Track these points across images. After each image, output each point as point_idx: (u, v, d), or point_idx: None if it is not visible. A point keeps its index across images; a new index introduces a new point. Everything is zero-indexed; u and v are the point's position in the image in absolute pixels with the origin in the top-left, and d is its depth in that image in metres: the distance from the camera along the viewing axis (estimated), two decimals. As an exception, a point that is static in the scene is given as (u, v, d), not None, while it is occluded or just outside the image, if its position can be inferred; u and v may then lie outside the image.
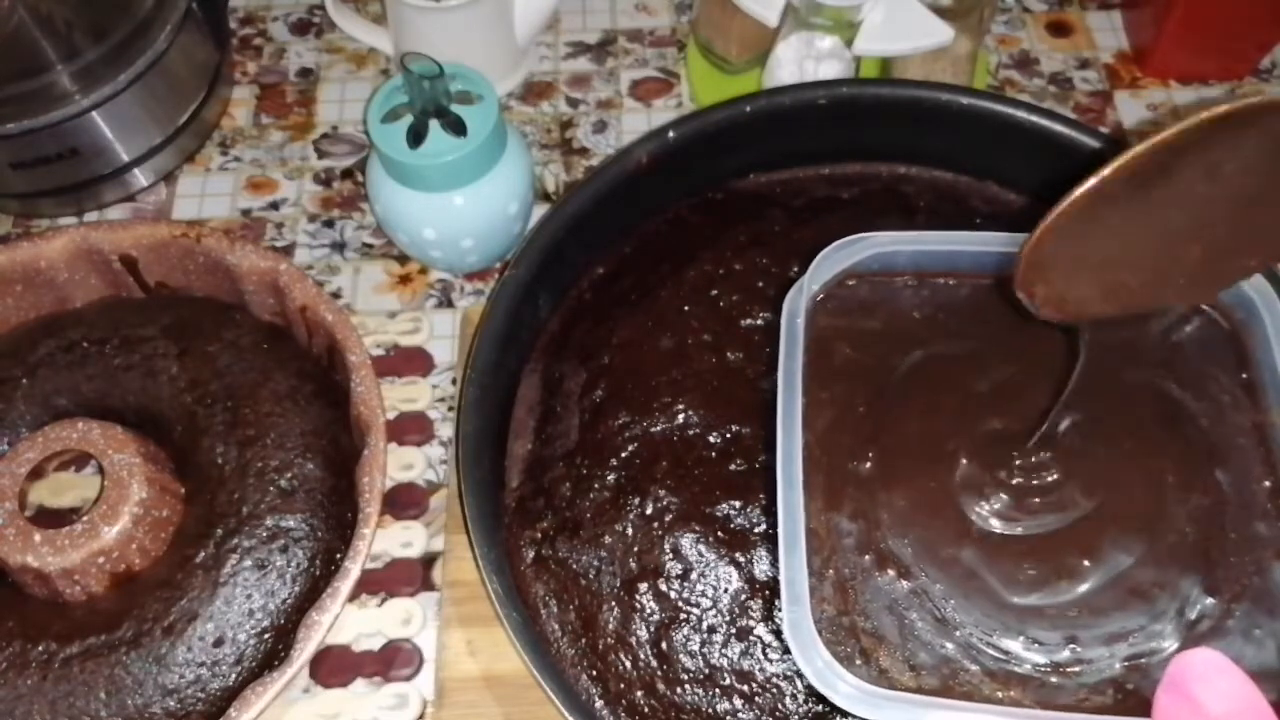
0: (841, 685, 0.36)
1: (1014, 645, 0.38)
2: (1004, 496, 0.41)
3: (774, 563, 0.44)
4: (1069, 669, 0.38)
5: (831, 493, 0.42)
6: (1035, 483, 0.41)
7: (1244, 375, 0.43)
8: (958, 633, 0.39)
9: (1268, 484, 0.41)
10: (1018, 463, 0.41)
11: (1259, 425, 0.42)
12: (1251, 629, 0.38)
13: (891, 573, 0.40)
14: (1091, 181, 0.32)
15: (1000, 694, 0.38)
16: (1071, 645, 0.38)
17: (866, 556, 0.40)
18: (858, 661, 0.39)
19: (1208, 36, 0.67)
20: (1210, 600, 0.39)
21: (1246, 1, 0.65)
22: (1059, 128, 0.52)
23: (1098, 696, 0.38)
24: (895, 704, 0.36)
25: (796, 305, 0.43)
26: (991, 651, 0.39)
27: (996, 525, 0.41)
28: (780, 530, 0.38)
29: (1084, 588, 0.39)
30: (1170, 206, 0.33)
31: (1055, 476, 0.41)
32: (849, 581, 0.40)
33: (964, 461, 0.42)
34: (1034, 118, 0.53)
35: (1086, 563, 0.39)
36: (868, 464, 0.42)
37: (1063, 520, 0.40)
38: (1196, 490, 0.41)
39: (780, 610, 0.44)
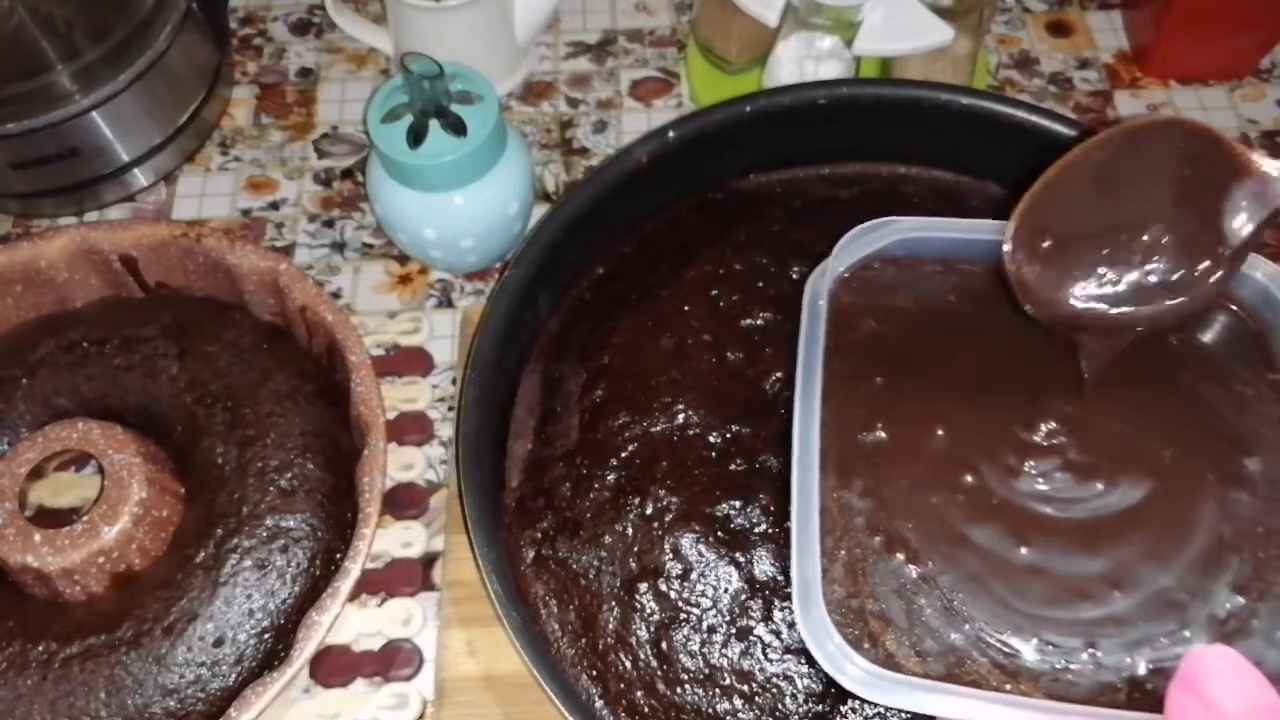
0: (850, 667, 0.35)
1: (1026, 646, 0.37)
2: (1018, 489, 0.40)
3: (774, 562, 0.44)
4: (1085, 669, 0.37)
5: (843, 468, 0.41)
6: (1047, 486, 0.40)
7: (1271, 375, 0.42)
8: (966, 626, 0.38)
9: None
10: (1030, 465, 0.40)
11: None
12: (1274, 630, 0.37)
13: (900, 556, 0.39)
14: (1061, 160, 0.35)
15: (1008, 687, 0.37)
16: (1091, 650, 0.37)
17: (876, 538, 0.39)
18: (865, 645, 0.38)
19: (1208, 36, 0.67)
20: (1239, 599, 0.37)
21: (1246, 1, 0.65)
22: (1059, 128, 0.52)
23: (1112, 693, 0.37)
24: (904, 688, 0.35)
25: (820, 286, 0.42)
26: (1001, 647, 0.38)
27: (1006, 530, 0.39)
28: (794, 509, 0.38)
29: (1109, 610, 0.38)
30: (1122, 200, 0.36)
31: (1074, 482, 0.40)
32: (859, 563, 0.39)
33: (976, 449, 0.41)
34: (1034, 118, 0.53)
35: (1116, 593, 0.38)
36: (877, 433, 0.41)
37: (1080, 526, 0.39)
38: (1232, 487, 0.39)
39: (780, 607, 0.44)
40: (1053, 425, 0.40)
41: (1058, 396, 0.41)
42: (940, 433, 0.41)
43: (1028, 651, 0.37)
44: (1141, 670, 0.37)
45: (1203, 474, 0.40)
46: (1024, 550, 0.39)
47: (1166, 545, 0.39)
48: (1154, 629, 0.37)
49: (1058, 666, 0.37)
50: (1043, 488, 0.40)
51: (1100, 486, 0.40)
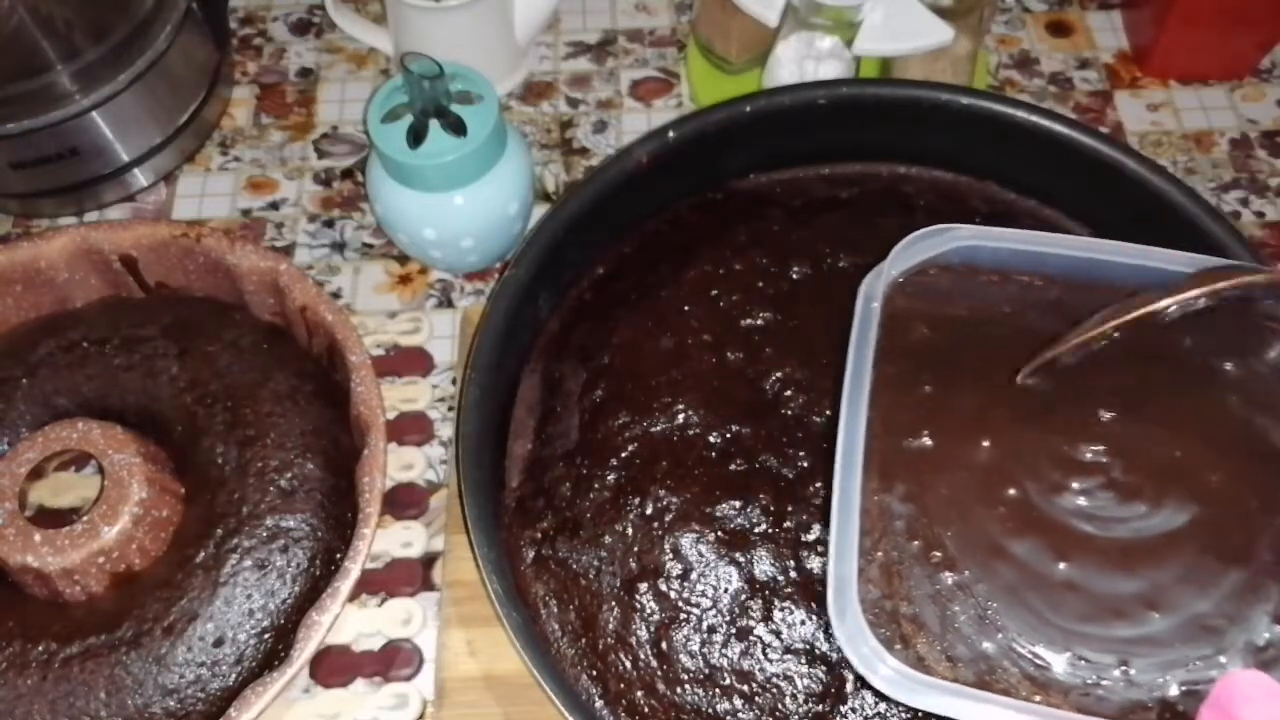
0: (882, 667, 0.35)
1: (1058, 660, 0.37)
2: (1061, 505, 0.40)
3: (774, 562, 0.44)
4: (1116, 686, 0.37)
5: (886, 471, 0.41)
6: (1090, 504, 0.39)
7: None
8: (999, 635, 0.38)
9: None
10: (1074, 482, 0.40)
11: None
12: None
13: (938, 562, 0.39)
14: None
15: (1038, 698, 0.37)
16: (1123, 668, 0.37)
17: (915, 543, 0.39)
18: (896, 646, 0.38)
19: (1208, 36, 0.67)
20: (1279, 629, 0.37)
21: (1246, 1, 0.65)
22: (1059, 128, 0.52)
23: (1142, 712, 0.37)
24: (935, 691, 0.35)
25: (874, 289, 0.42)
26: (1033, 659, 0.37)
27: (1046, 542, 0.39)
28: (834, 507, 0.38)
29: (1144, 630, 0.38)
30: None
31: (1117, 502, 0.39)
32: (896, 566, 0.39)
33: (1021, 463, 0.40)
34: (1034, 118, 0.53)
35: (1153, 614, 0.38)
36: (923, 440, 0.41)
37: (1123, 548, 0.39)
38: (1278, 515, 0.39)
39: (780, 607, 0.44)
40: (1099, 444, 0.40)
41: (1106, 415, 0.41)
42: (986, 444, 0.41)
43: (1059, 665, 0.37)
44: (1173, 691, 0.37)
45: (1248, 501, 0.39)
46: (1062, 565, 0.39)
47: (1207, 570, 0.38)
48: (1189, 652, 0.37)
49: (1089, 681, 0.37)
50: (1085, 505, 0.40)
51: (1143, 508, 0.39)
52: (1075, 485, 0.40)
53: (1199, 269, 0.41)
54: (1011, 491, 0.40)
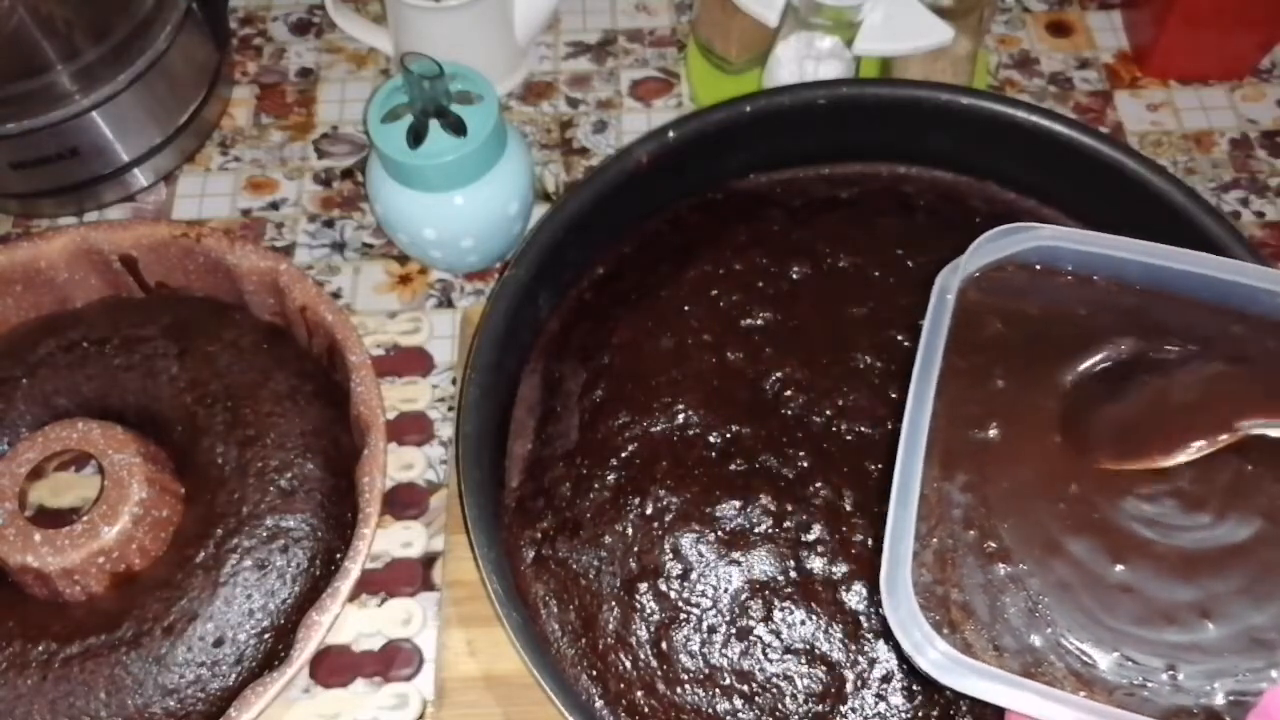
0: (931, 650, 0.35)
1: (1105, 659, 0.37)
2: (1123, 509, 0.39)
3: (774, 562, 0.44)
4: (1161, 689, 0.37)
5: (947, 460, 0.40)
6: (1153, 510, 0.39)
7: None
8: (1048, 629, 0.38)
9: None
10: (1139, 488, 0.39)
11: None
12: None
13: (992, 554, 0.39)
14: None
15: (1082, 694, 0.37)
16: (1171, 672, 0.37)
17: (971, 532, 0.39)
18: (944, 631, 0.38)
19: (1208, 36, 0.67)
20: None
21: (1246, 1, 0.65)
22: (1059, 128, 0.52)
23: (1187, 717, 0.36)
24: (985, 678, 0.35)
25: (949, 282, 0.42)
26: (1080, 655, 0.37)
27: (1109, 545, 0.39)
28: (894, 489, 0.38)
29: (1195, 638, 0.37)
30: None
31: (1181, 511, 0.39)
32: (950, 553, 0.39)
33: (1088, 465, 0.40)
34: (1034, 118, 0.53)
35: (1206, 623, 0.38)
36: (989, 432, 0.41)
37: (1184, 556, 0.39)
38: None
39: (780, 607, 0.44)
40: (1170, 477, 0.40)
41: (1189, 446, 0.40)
42: (1055, 440, 0.41)
43: (1106, 663, 0.37)
44: (1220, 700, 0.36)
45: None
46: (1118, 568, 0.38)
47: (1265, 585, 0.38)
48: (1239, 662, 0.37)
49: (1135, 683, 0.37)
50: (1148, 510, 0.39)
51: (1207, 519, 0.39)
52: (1141, 491, 0.40)
53: None
54: (1074, 488, 0.40)
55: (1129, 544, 0.39)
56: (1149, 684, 0.37)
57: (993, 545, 0.39)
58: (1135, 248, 0.43)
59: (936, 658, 0.35)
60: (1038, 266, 0.44)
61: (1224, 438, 0.39)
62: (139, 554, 0.48)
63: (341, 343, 0.51)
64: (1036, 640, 0.38)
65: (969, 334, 0.43)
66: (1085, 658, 0.37)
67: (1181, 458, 0.39)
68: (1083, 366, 0.42)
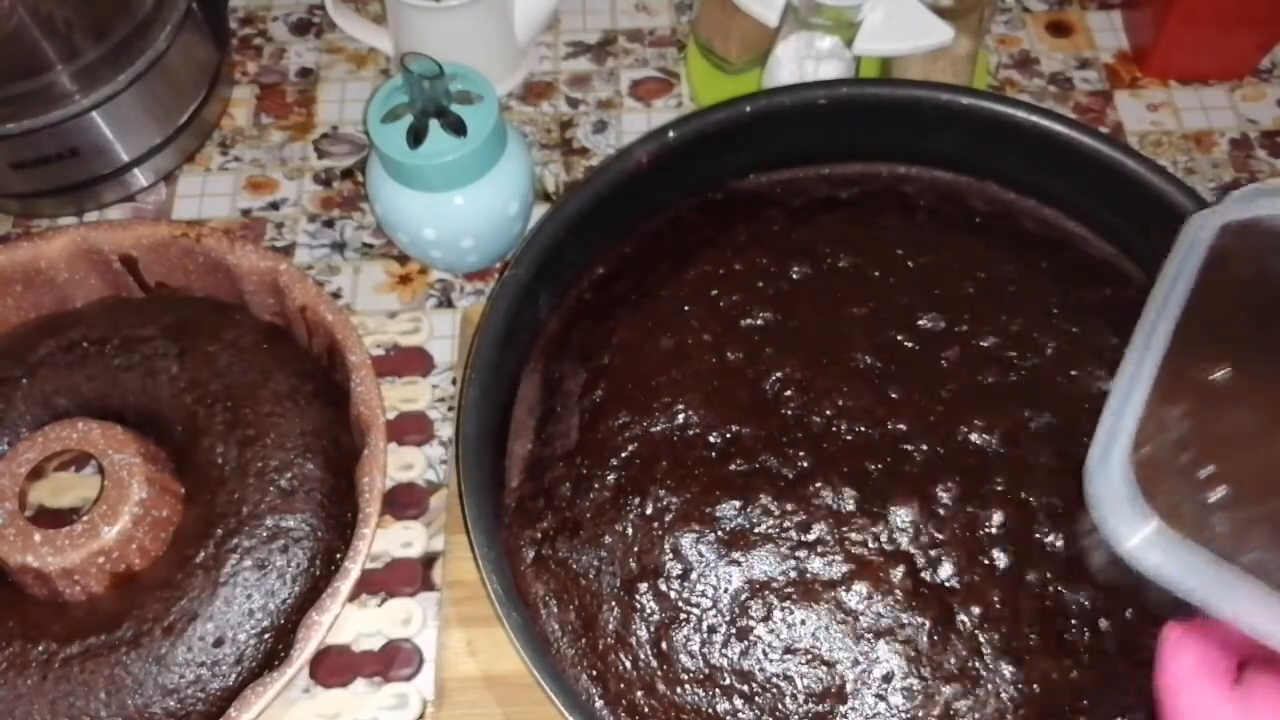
0: (1144, 528, 0.34)
1: None
2: None
3: (774, 562, 0.44)
4: None
5: (1170, 392, 0.40)
6: None
7: None
8: (1255, 552, 0.36)
9: None
10: None
11: None
12: None
13: (1205, 479, 0.37)
14: None
15: None
16: None
17: (1184, 455, 0.38)
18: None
19: (1208, 36, 0.67)
20: None
21: (1246, 1, 0.65)
22: (1059, 128, 0.52)
23: None
24: (1206, 566, 0.34)
25: (1206, 223, 0.42)
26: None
27: None
28: (1123, 375, 0.38)
29: None
30: None
31: None
32: (1158, 462, 0.38)
33: None
34: (1034, 118, 0.53)
35: None
36: (1220, 372, 0.40)
37: None
38: None
39: (779, 608, 0.44)
40: None
41: None
42: None
43: None
44: None
45: None
46: None
47: None
48: None
49: None
50: None
51: None
52: None
53: None
54: None
55: None
56: None
57: (1207, 470, 0.38)
58: None
59: (1149, 535, 0.34)
60: None
61: None
62: (139, 554, 0.48)
63: (341, 343, 0.51)
64: (1243, 559, 0.36)
65: (1215, 277, 0.43)
66: None
67: None
68: None
